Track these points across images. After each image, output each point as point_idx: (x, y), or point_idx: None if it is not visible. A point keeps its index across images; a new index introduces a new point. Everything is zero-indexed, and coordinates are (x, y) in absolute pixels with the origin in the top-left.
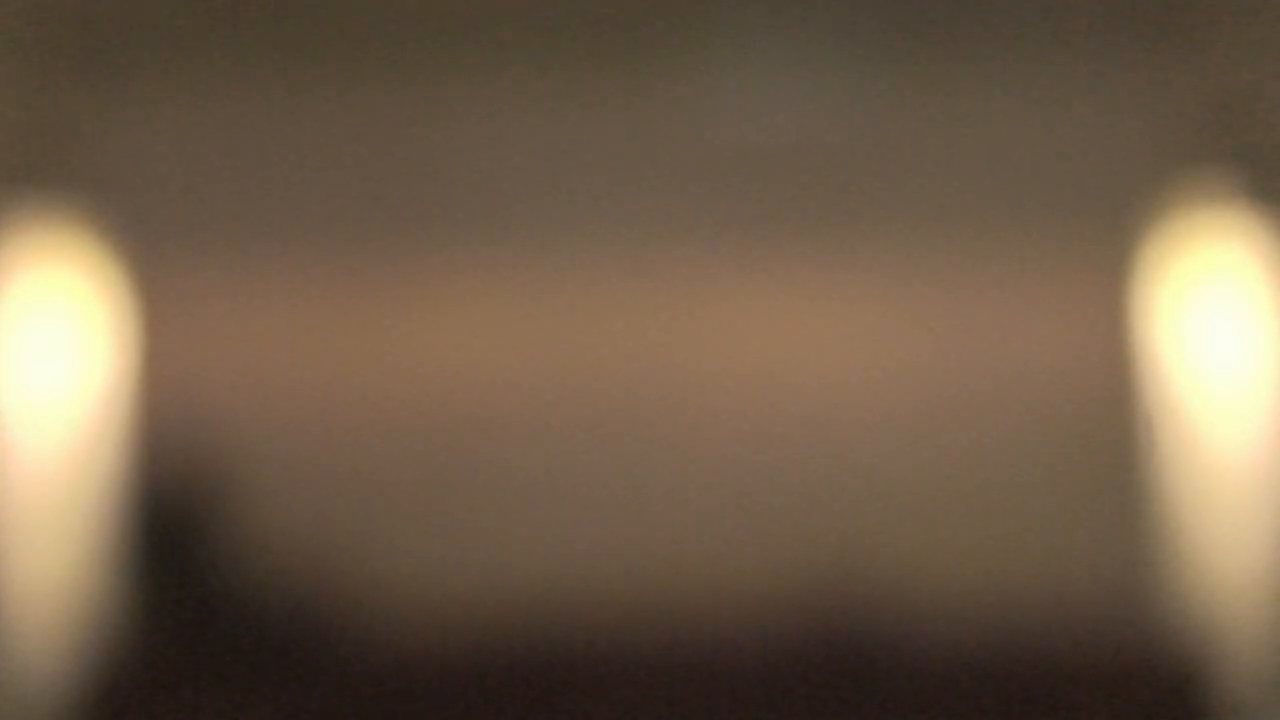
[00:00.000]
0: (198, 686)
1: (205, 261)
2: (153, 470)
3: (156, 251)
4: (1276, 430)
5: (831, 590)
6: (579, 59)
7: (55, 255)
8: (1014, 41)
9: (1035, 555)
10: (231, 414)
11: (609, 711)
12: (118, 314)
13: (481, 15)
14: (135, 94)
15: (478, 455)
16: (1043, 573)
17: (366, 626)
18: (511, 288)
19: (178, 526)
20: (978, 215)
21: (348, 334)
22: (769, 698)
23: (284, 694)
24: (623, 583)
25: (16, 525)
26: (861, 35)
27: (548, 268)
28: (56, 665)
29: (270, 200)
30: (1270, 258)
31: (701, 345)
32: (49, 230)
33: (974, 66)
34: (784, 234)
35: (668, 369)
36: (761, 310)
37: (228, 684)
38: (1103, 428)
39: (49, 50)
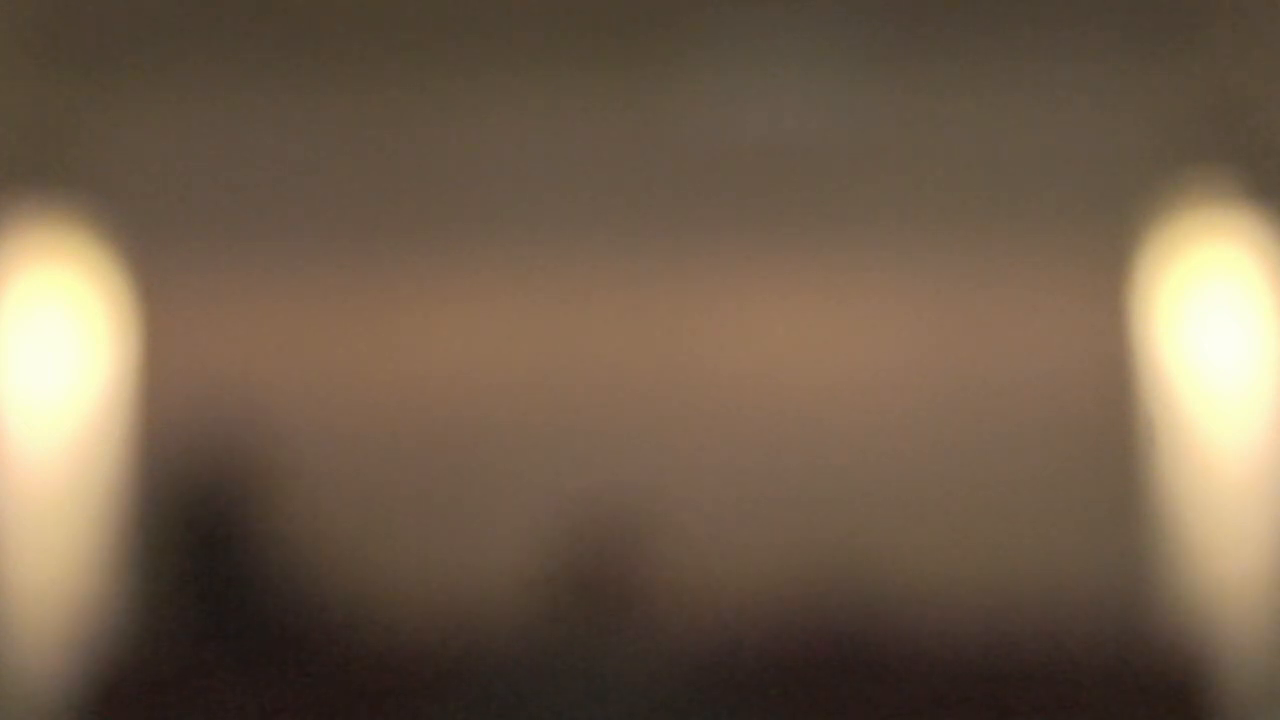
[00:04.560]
0: (198, 685)
1: (205, 261)
2: (152, 470)
3: (156, 251)
4: (1276, 430)
5: (831, 590)
6: (579, 59)
7: (55, 255)
8: (1014, 42)
9: (1035, 555)
10: (231, 414)
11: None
12: (118, 314)
13: (482, 15)
14: (135, 94)
15: (478, 454)
16: (1042, 573)
17: (369, 623)
18: (512, 287)
19: (177, 526)
20: (978, 215)
21: (347, 333)
22: (769, 697)
23: (285, 692)
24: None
25: (17, 525)
26: (861, 35)
27: (548, 267)
28: (56, 665)
29: (271, 200)
30: (1270, 258)
31: (702, 345)
32: (49, 230)
33: (974, 66)
34: (784, 234)
35: (669, 369)
36: (761, 310)
37: (228, 683)
38: (1103, 428)
39: (49, 50)
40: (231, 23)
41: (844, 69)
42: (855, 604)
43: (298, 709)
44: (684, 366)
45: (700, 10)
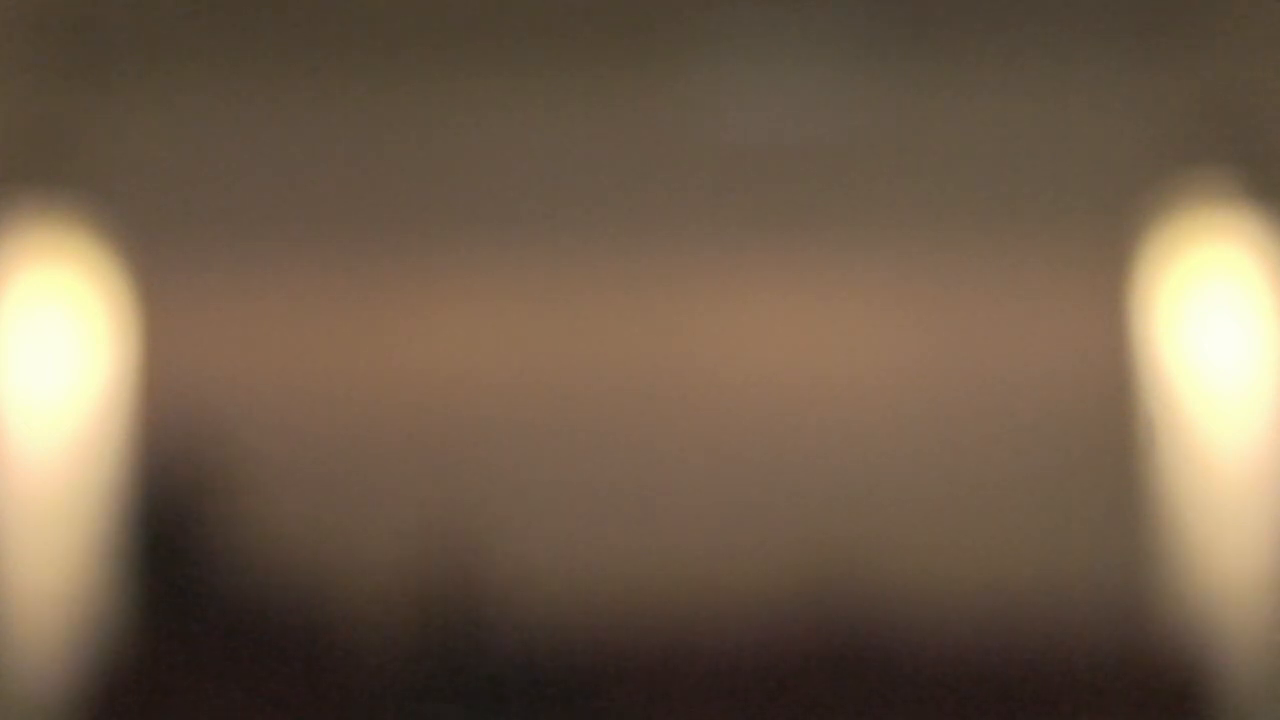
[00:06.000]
0: (197, 686)
1: (205, 261)
2: (152, 470)
3: (156, 251)
4: (1276, 430)
5: (831, 590)
6: (579, 59)
7: (55, 255)
8: (1013, 41)
9: (1035, 555)
10: (231, 413)
11: (608, 709)
12: (118, 314)
13: (481, 15)
14: (135, 94)
15: (476, 455)
16: (1043, 573)
17: (365, 625)
18: (511, 287)
19: (177, 526)
20: (978, 215)
21: (347, 334)
22: (769, 697)
23: (283, 693)
24: (623, 582)
25: (16, 525)
26: (861, 35)
27: (547, 267)
28: (56, 665)
29: (270, 200)
30: (1270, 258)
31: (701, 345)
32: (49, 230)
33: (974, 66)
34: (784, 234)
35: (668, 369)
36: (761, 310)
37: (227, 683)
38: (1103, 428)
39: (49, 50)
40: (232, 23)
41: (844, 69)
42: (854, 604)
43: (294, 711)
44: (685, 366)
45: (700, 10)
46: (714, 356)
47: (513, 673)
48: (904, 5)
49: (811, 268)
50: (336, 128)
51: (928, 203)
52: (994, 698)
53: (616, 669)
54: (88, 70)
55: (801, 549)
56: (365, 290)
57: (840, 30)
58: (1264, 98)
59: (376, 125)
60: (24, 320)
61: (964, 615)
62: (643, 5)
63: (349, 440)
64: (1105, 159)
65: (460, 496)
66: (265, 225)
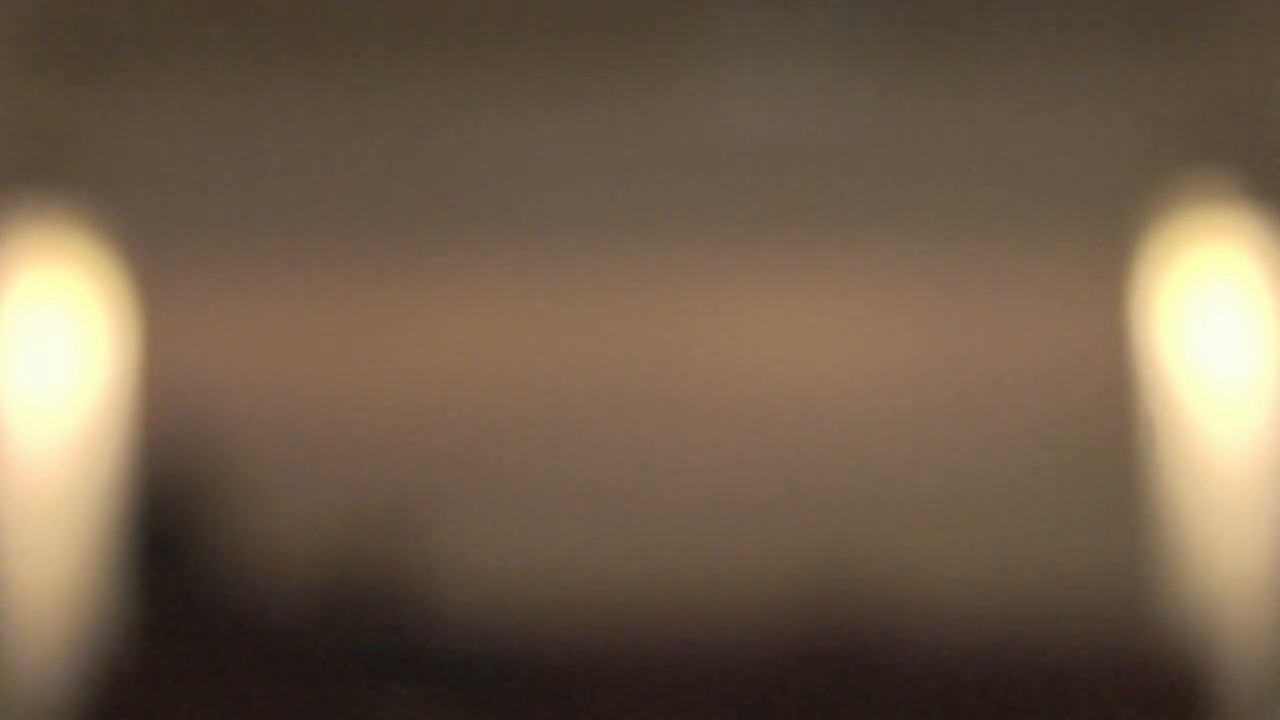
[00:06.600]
0: (197, 686)
1: (205, 261)
2: (152, 470)
3: (156, 251)
4: (1276, 430)
5: (831, 590)
6: (579, 59)
7: (55, 255)
8: (1015, 42)
9: (1035, 555)
10: (231, 413)
11: (607, 711)
12: (118, 314)
13: (481, 15)
14: (135, 94)
15: (475, 455)
16: (1042, 572)
17: (365, 624)
18: (511, 287)
19: (177, 526)
20: (978, 215)
21: (347, 334)
22: (769, 697)
23: (282, 693)
24: (622, 582)
25: (16, 525)
26: (862, 35)
27: (546, 267)
28: (56, 665)
29: (270, 200)
30: (1270, 258)
31: (701, 345)
32: (49, 230)
33: (974, 66)
34: (784, 234)
35: (667, 369)
36: (761, 310)
37: (226, 683)
38: (1103, 428)
39: (49, 50)
40: (231, 22)
41: (844, 69)
42: (854, 604)
43: (293, 712)
44: (684, 366)
45: (700, 10)
46: (714, 356)
47: (516, 673)
48: (904, 5)
49: (811, 268)
50: (336, 128)
51: (928, 203)
52: (994, 698)
53: (619, 670)
54: (88, 70)
55: (801, 549)
56: (365, 290)
57: (840, 30)
58: (1265, 98)
59: (376, 125)
60: (24, 320)
61: (964, 615)
62: (643, 5)
63: (348, 440)
64: (1105, 159)
65: (464, 497)
66: (264, 225)
